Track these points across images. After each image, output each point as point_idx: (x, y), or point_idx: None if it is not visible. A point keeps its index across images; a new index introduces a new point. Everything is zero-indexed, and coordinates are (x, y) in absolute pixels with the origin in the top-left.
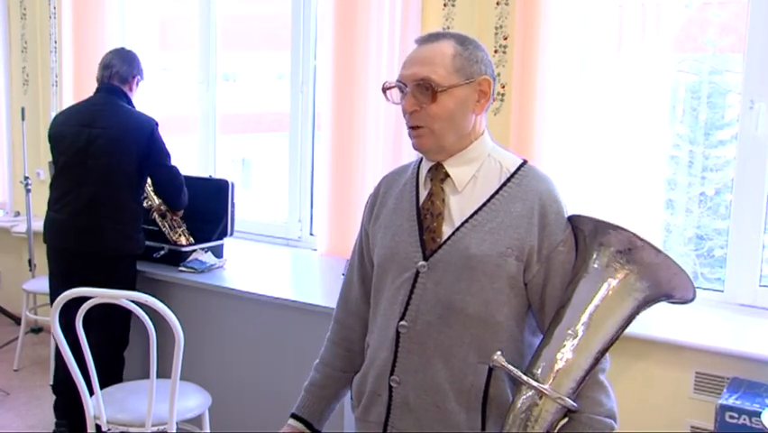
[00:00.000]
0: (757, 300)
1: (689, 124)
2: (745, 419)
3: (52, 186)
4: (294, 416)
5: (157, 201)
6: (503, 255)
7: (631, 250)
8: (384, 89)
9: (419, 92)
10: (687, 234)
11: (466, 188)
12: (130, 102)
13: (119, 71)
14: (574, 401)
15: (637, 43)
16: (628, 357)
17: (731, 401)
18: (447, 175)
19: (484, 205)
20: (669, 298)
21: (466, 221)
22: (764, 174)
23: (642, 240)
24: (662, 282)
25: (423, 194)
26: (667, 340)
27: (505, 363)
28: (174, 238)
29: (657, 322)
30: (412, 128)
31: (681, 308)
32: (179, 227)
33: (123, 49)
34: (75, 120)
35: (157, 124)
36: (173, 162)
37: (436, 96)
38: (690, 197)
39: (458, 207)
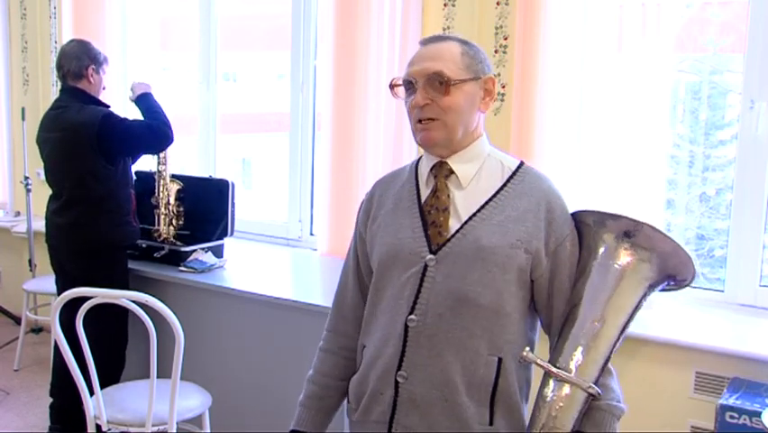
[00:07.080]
0: (757, 300)
1: (689, 124)
2: (745, 419)
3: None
4: (295, 432)
5: (171, 192)
6: (513, 247)
7: (635, 235)
8: (391, 86)
9: (431, 86)
10: (687, 234)
11: (470, 184)
12: (88, 97)
13: (70, 69)
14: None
15: (637, 43)
16: (628, 357)
17: (731, 401)
18: (451, 171)
19: (490, 199)
20: (673, 278)
21: (474, 214)
22: (764, 174)
23: (643, 224)
24: (666, 263)
25: (423, 192)
26: (667, 340)
27: (535, 358)
28: (158, 226)
29: (657, 322)
30: (421, 121)
31: (682, 307)
32: (171, 222)
33: (70, 43)
34: (44, 126)
35: (106, 114)
36: (133, 126)
37: (449, 90)
38: (690, 197)
39: (463, 202)
